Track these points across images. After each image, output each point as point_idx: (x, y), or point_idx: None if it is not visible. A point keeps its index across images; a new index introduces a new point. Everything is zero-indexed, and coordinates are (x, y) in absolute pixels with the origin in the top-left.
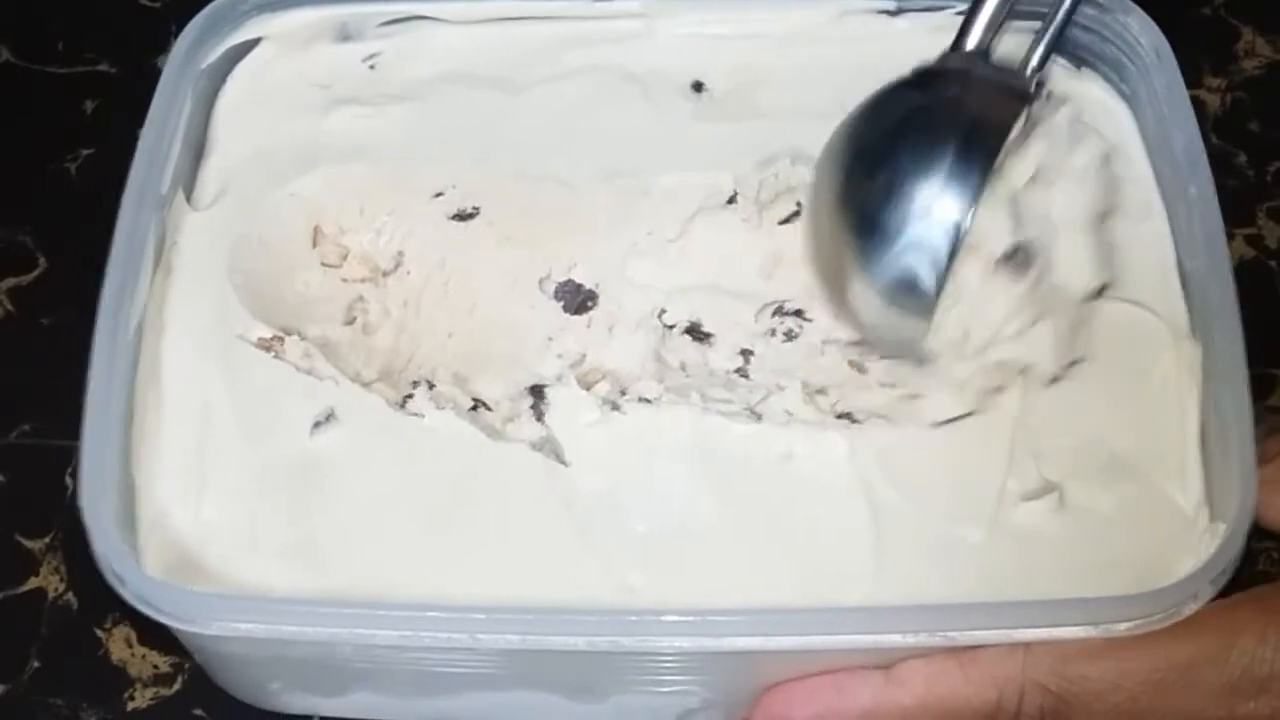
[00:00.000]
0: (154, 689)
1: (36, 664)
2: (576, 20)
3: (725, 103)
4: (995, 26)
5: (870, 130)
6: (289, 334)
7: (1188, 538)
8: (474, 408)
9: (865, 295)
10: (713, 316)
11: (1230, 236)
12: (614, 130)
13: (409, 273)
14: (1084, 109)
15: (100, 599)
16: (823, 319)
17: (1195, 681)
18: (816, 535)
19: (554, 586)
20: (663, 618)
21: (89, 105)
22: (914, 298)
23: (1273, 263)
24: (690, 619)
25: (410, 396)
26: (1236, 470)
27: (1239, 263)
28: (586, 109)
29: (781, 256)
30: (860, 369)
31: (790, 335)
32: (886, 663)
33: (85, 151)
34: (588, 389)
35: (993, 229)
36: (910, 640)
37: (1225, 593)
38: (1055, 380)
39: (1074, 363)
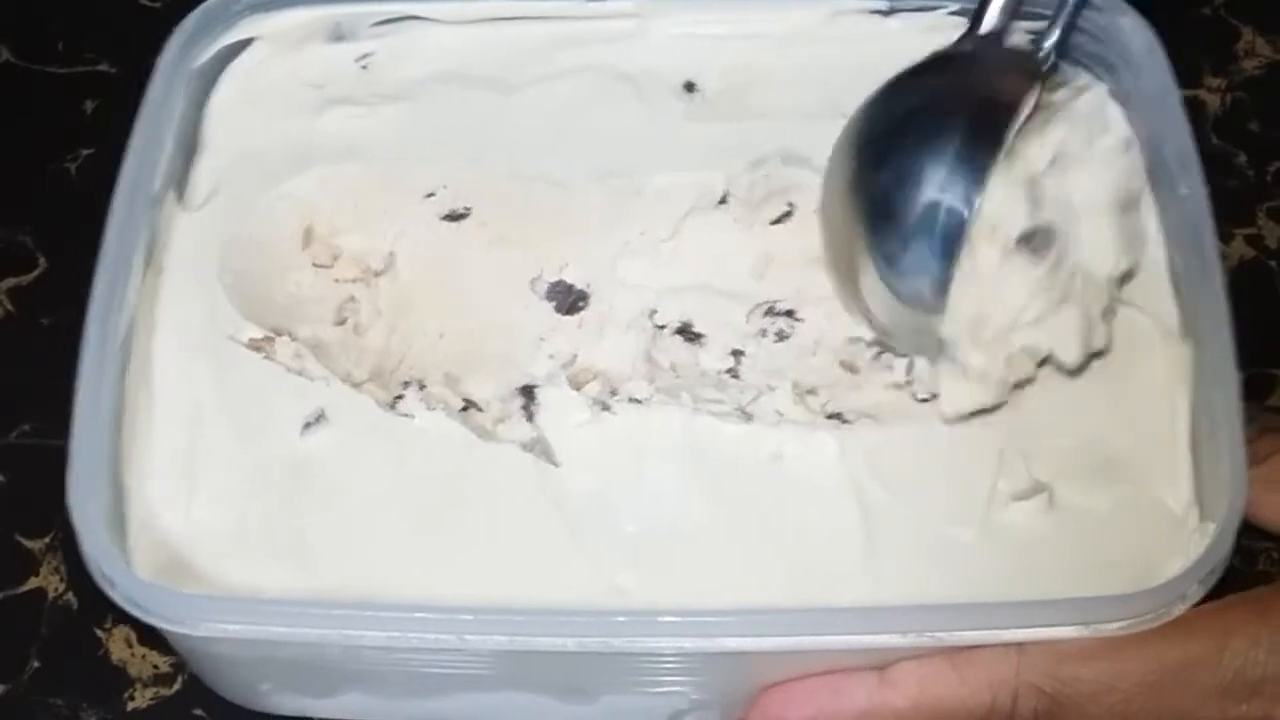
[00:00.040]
0: (154, 689)
1: (36, 664)
2: (569, 20)
3: (717, 103)
4: (1011, 10)
5: (879, 117)
6: (280, 334)
7: (1177, 538)
8: (465, 408)
9: (877, 283)
10: (704, 317)
11: (1230, 236)
12: (606, 130)
13: (400, 273)
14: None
15: (100, 599)
16: (814, 319)
17: (1188, 683)
18: (807, 536)
19: (544, 587)
20: (653, 618)
21: (89, 105)
22: (925, 279)
23: (1273, 263)
24: (680, 620)
25: (401, 397)
26: (1226, 470)
27: (1239, 263)
28: (579, 109)
29: (773, 257)
30: (851, 369)
31: (781, 336)
32: (877, 663)
33: (85, 151)
34: (578, 389)
35: (1010, 211)
36: (900, 640)
37: (1222, 592)
38: (1077, 372)
39: (1096, 355)
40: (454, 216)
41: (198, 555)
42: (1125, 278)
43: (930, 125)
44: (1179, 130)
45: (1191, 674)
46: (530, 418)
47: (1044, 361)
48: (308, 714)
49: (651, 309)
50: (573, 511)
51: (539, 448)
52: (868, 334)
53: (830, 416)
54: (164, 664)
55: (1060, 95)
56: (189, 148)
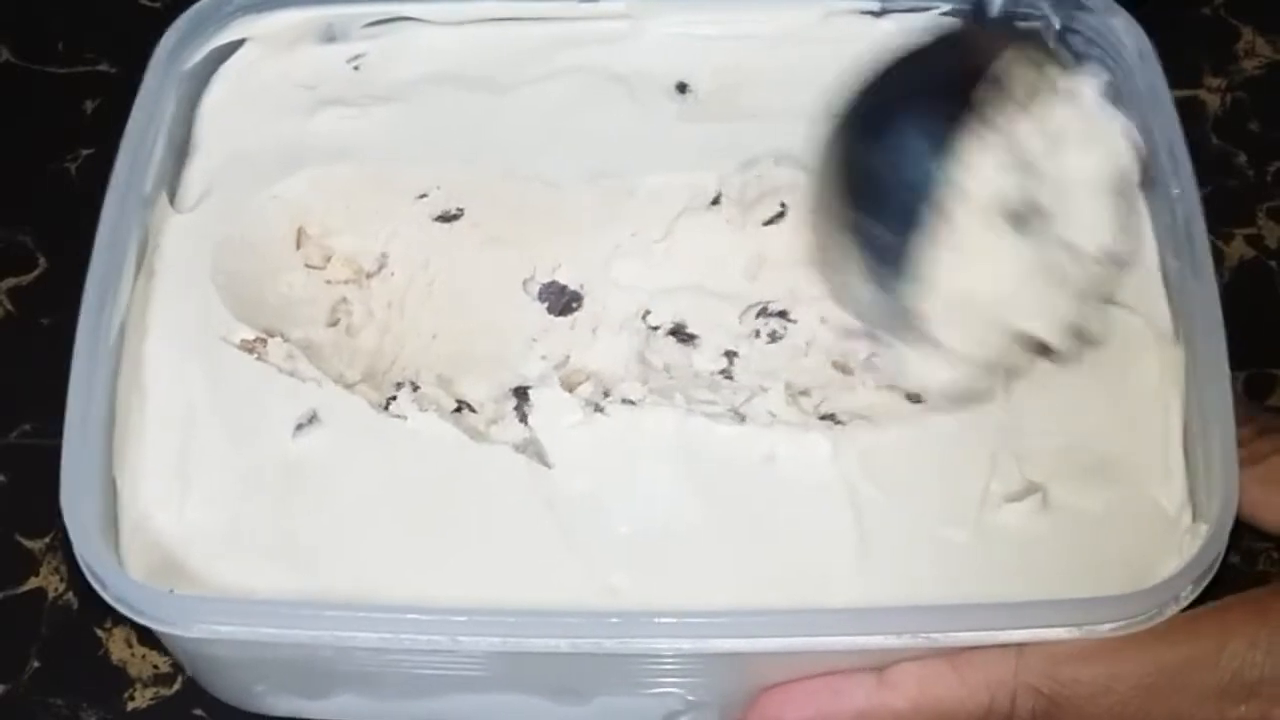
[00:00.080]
0: (154, 689)
1: (36, 664)
2: (561, 21)
3: (709, 103)
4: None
5: (854, 102)
6: (272, 336)
7: (1170, 538)
8: (457, 409)
9: (853, 259)
10: (697, 318)
11: (1230, 236)
12: (598, 131)
13: (393, 274)
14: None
15: (100, 599)
16: (807, 320)
17: (1186, 685)
18: (800, 536)
19: (538, 588)
20: (646, 619)
21: (89, 105)
22: (895, 244)
23: (1273, 263)
24: (673, 621)
25: (393, 398)
26: (1219, 471)
27: (1239, 263)
28: (571, 110)
29: (766, 258)
30: (844, 370)
31: (774, 336)
32: (870, 664)
33: (85, 151)
34: (571, 390)
35: (996, 187)
36: (894, 641)
37: (1221, 593)
38: (1069, 370)
39: (1089, 351)
40: (446, 217)
41: (191, 556)
42: (1120, 266)
43: (891, 98)
44: (1171, 130)
45: (1189, 675)
46: (523, 419)
47: (1035, 350)
48: (302, 715)
49: (644, 310)
50: (566, 512)
51: (532, 449)
52: (856, 324)
53: (823, 417)
54: (164, 664)
55: (1056, 78)
56: (181, 149)
